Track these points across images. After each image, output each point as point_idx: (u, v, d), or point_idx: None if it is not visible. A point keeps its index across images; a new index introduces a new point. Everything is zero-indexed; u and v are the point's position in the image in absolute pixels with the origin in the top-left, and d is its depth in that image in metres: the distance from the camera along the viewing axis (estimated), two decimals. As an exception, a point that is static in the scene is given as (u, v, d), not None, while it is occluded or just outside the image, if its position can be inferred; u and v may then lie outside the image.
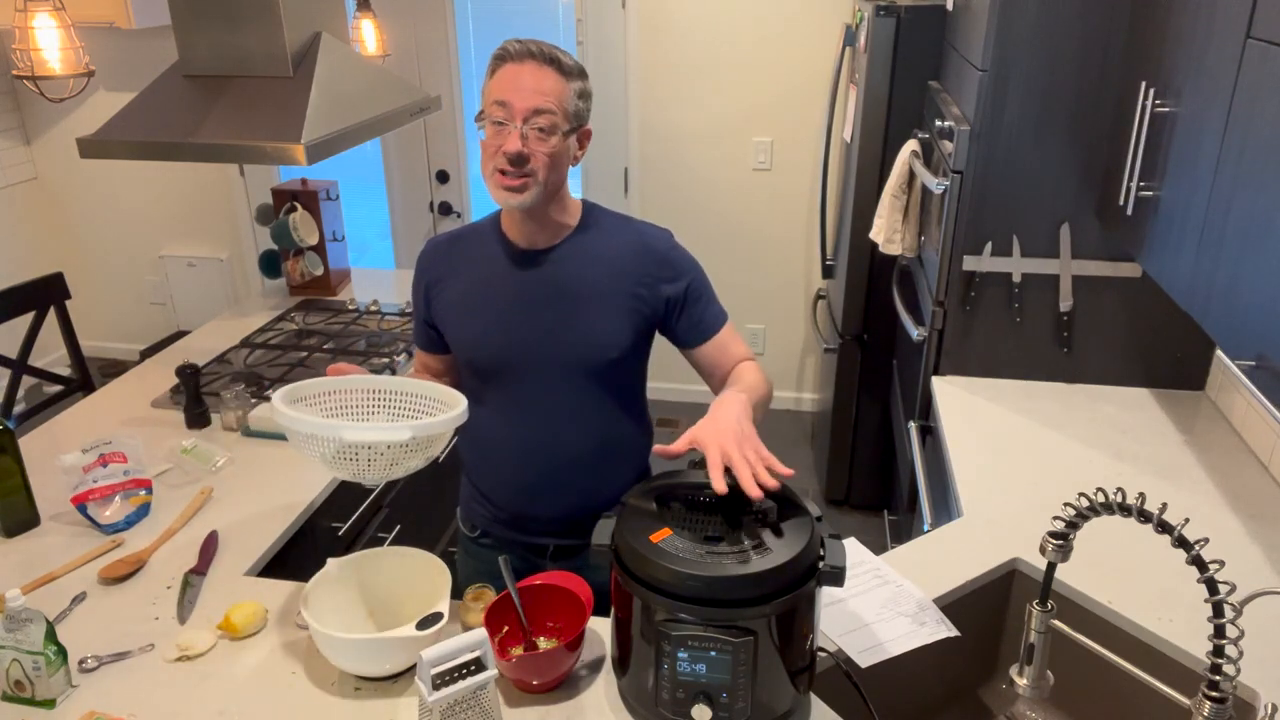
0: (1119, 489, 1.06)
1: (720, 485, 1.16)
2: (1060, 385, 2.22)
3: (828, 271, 3.60)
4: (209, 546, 1.64)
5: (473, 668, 1.16)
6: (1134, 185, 1.73)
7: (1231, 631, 0.98)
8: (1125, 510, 1.02)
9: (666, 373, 4.18)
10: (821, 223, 3.54)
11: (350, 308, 2.78)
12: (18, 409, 3.12)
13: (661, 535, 1.16)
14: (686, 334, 1.53)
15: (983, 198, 2.11)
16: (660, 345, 1.56)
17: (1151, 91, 1.68)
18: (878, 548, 1.66)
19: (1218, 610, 0.97)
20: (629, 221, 1.53)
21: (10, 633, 1.26)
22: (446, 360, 1.63)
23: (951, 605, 1.50)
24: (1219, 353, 2.13)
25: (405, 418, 1.44)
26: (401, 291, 2.96)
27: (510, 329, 1.48)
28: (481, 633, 1.18)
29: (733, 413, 1.27)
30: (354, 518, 2.02)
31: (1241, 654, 0.98)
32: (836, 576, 1.16)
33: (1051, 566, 1.15)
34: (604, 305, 1.46)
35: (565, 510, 1.56)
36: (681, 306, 1.51)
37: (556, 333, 1.46)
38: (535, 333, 1.47)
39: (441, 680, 1.14)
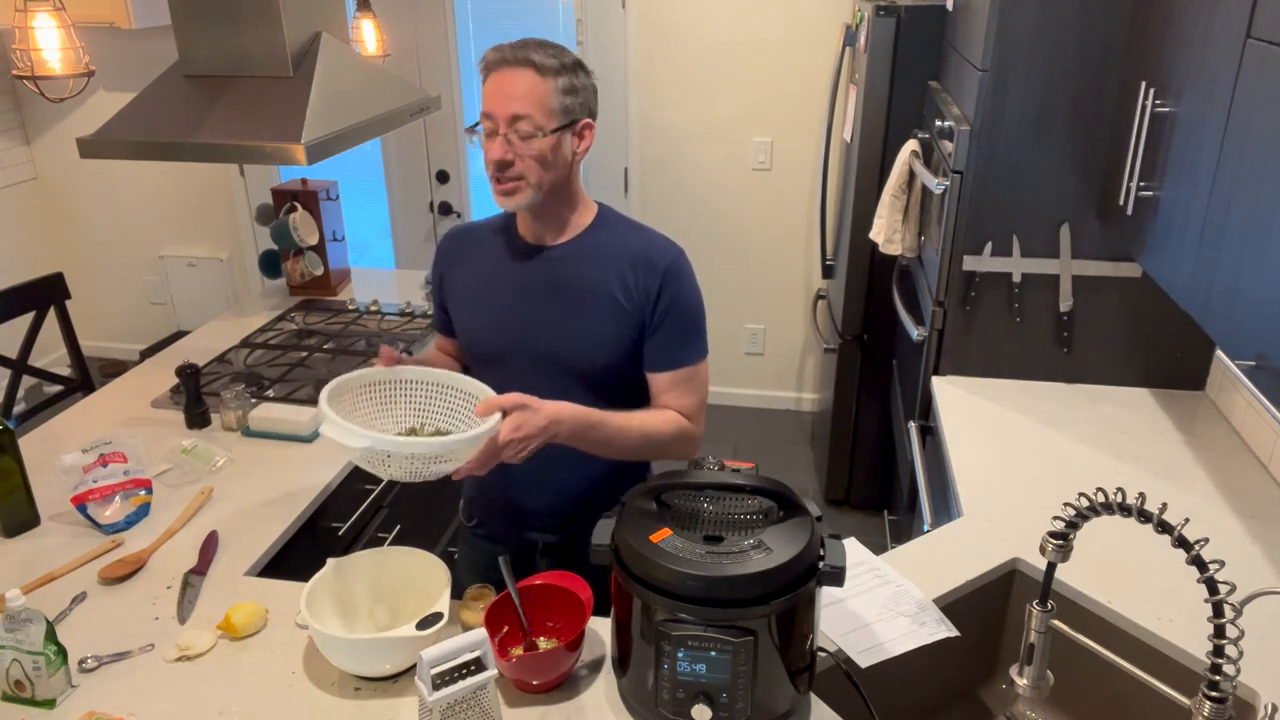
0: (1119, 489, 1.06)
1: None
2: (1060, 385, 2.22)
3: (828, 271, 3.60)
4: (209, 546, 1.64)
5: (473, 668, 1.16)
6: (1134, 185, 1.73)
7: (1231, 631, 0.98)
8: (1125, 510, 1.02)
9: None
10: (821, 223, 3.54)
11: (350, 308, 2.78)
12: (18, 409, 3.12)
13: (661, 535, 1.16)
14: (650, 356, 1.48)
15: (983, 198, 2.11)
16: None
17: (1151, 91, 1.68)
18: (878, 548, 1.65)
19: (1218, 610, 0.97)
20: (641, 229, 1.52)
21: (10, 633, 1.26)
22: (460, 345, 1.65)
23: (951, 605, 1.50)
24: (1219, 353, 2.13)
25: (448, 413, 1.46)
26: (402, 292, 2.95)
27: (509, 320, 1.50)
28: (481, 633, 1.18)
29: (559, 413, 1.35)
30: (354, 518, 2.02)
31: (1241, 654, 0.98)
32: (836, 576, 1.16)
33: (1051, 566, 1.15)
34: (598, 308, 1.46)
35: (551, 506, 1.58)
36: (659, 326, 1.46)
37: (550, 329, 1.47)
38: (530, 326, 1.48)
39: (441, 680, 1.14)
